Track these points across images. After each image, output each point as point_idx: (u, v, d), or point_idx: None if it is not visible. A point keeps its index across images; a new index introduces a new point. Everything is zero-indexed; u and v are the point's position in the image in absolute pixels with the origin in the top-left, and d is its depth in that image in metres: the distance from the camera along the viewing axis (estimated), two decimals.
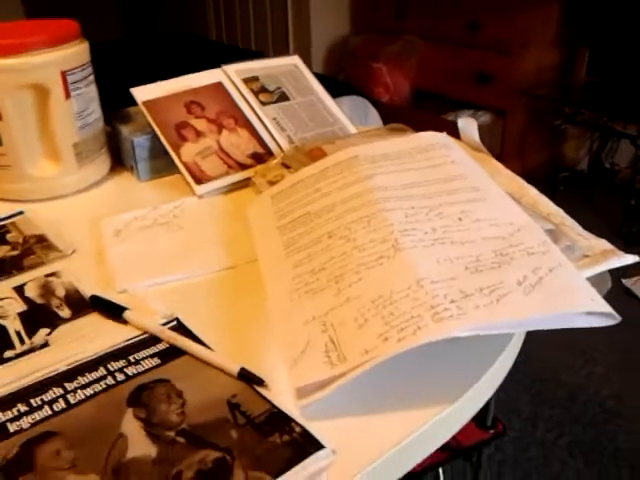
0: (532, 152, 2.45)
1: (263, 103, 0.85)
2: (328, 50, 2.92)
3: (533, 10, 2.25)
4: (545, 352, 1.65)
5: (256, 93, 0.85)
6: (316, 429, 0.39)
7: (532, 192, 0.62)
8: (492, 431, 1.19)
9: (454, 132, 0.74)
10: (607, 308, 0.42)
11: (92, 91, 0.77)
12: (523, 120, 2.39)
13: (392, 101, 2.61)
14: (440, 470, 1.17)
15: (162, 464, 0.37)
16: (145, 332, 0.49)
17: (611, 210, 2.21)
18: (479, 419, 1.09)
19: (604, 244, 0.54)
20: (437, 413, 0.40)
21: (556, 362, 1.63)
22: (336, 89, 0.97)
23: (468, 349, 0.46)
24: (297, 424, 0.39)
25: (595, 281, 0.49)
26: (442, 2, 2.46)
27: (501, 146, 2.41)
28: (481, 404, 0.44)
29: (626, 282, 1.84)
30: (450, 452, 1.06)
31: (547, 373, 1.58)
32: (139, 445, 0.39)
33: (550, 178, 2.38)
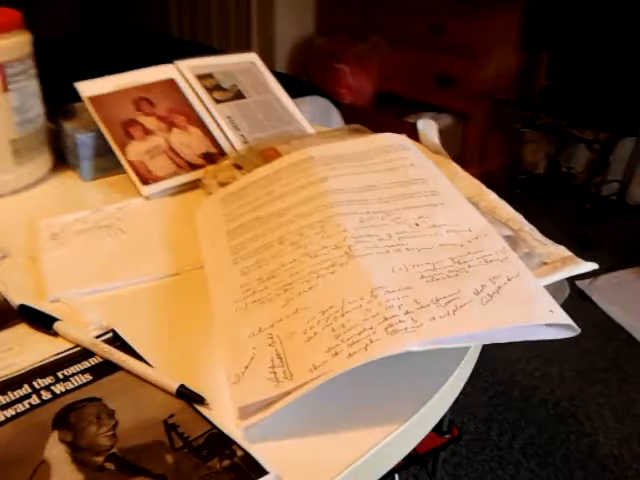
0: (491, 155, 2.47)
1: (217, 101, 0.81)
2: (292, 50, 2.89)
3: (495, 15, 2.27)
4: (500, 353, 1.65)
5: (210, 90, 0.82)
6: (259, 452, 0.36)
7: (491, 197, 0.60)
8: (448, 436, 1.18)
9: (415, 134, 0.72)
10: (567, 320, 0.40)
11: (33, 85, 0.72)
12: (484, 123, 2.41)
13: (355, 102, 2.60)
14: (396, 476, 1.15)
15: None
16: (77, 345, 0.45)
17: (567, 213, 2.24)
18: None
19: (563, 251, 0.53)
20: (390, 432, 0.38)
21: (511, 363, 1.63)
22: (298, 89, 0.95)
23: (423, 361, 0.43)
24: (239, 447, 0.36)
25: (553, 289, 0.47)
26: (406, 4, 2.46)
27: (461, 149, 2.42)
28: (437, 420, 0.42)
29: (580, 284, 1.86)
30: (405, 458, 1.04)
31: (502, 375, 1.59)
32: (63, 473, 0.35)
33: (508, 181, 2.40)
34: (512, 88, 2.39)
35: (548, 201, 2.39)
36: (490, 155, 2.46)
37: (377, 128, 0.75)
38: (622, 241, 2.12)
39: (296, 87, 0.92)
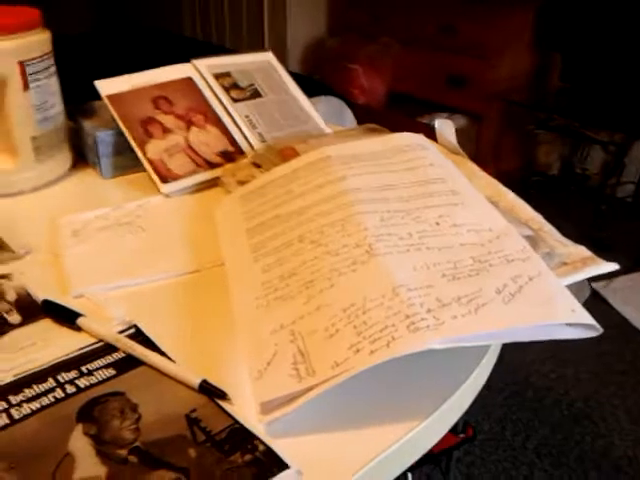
0: (506, 156, 2.46)
1: (235, 100, 0.82)
2: (304, 50, 2.89)
3: (508, 15, 2.26)
4: (515, 354, 1.65)
5: (227, 89, 0.82)
6: (281, 447, 0.36)
7: (510, 196, 0.60)
8: (462, 435, 1.17)
9: (430, 135, 0.72)
10: (589, 319, 0.40)
11: (53, 83, 0.73)
12: (497, 124, 2.40)
13: (367, 103, 2.60)
14: (409, 475, 1.15)
15: None
16: (100, 340, 0.46)
17: (581, 215, 2.23)
18: None
19: (583, 251, 0.53)
20: (411, 429, 0.38)
21: (526, 364, 1.63)
22: (311, 89, 0.95)
23: (444, 359, 0.43)
24: (261, 442, 0.37)
25: (574, 289, 0.47)
26: (417, 5, 2.46)
27: (475, 150, 2.41)
28: (457, 418, 0.42)
29: (595, 286, 1.85)
30: (419, 457, 1.04)
31: (517, 375, 1.58)
32: (87, 465, 0.36)
33: (523, 182, 2.39)
34: (525, 89, 2.38)
35: (563, 202, 2.37)
36: (504, 156, 2.46)
37: (390, 128, 0.75)
38: (638, 243, 2.11)
39: (309, 87, 0.92)
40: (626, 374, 1.61)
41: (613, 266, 0.51)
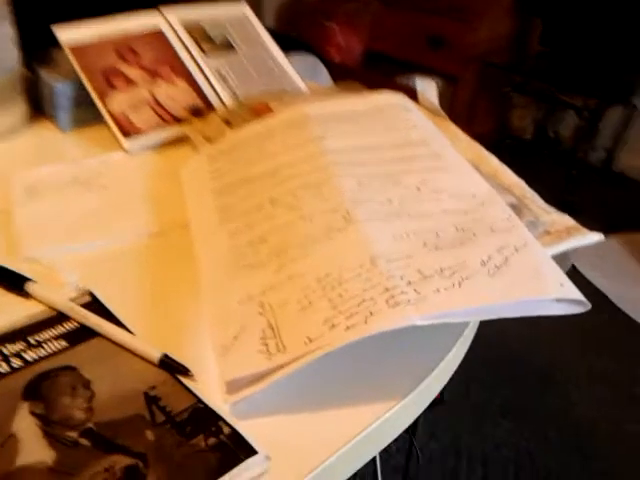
0: (480, 119, 2.44)
1: (205, 52, 0.76)
2: (280, 5, 2.79)
3: None
4: None
5: (198, 41, 0.77)
6: (248, 430, 0.33)
7: (492, 160, 0.57)
8: None
9: (408, 95, 0.68)
10: (578, 295, 0.37)
11: (6, 28, 0.67)
12: (473, 86, 2.36)
13: (343, 61, 2.53)
14: None
15: (60, 473, 0.31)
16: (51, 308, 0.42)
17: (553, 180, 2.23)
18: None
19: (567, 220, 0.50)
20: (388, 409, 0.36)
21: (491, 324, 1.64)
22: (286, 44, 0.90)
23: (422, 334, 0.41)
24: (225, 424, 0.34)
25: (556, 260, 0.45)
26: None
27: (449, 112, 2.37)
28: (436, 393, 0.40)
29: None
30: None
31: (482, 335, 1.59)
32: (33, 449, 0.32)
33: (495, 146, 2.37)
34: (504, 52, 2.34)
35: (535, 166, 2.36)
36: (478, 119, 2.43)
37: (367, 88, 0.71)
38: (607, 208, 2.13)
39: (284, 43, 0.87)
40: (590, 338, 1.63)
41: (598, 236, 0.48)
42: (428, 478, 1.23)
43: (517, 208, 0.50)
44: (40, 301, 0.42)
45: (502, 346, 1.57)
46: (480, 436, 1.34)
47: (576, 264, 1.82)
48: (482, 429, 1.35)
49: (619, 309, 1.72)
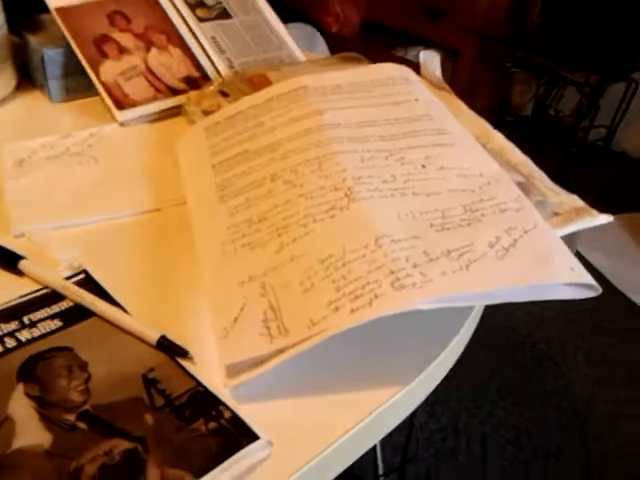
0: (480, 94, 2.40)
1: (200, 19, 0.74)
2: None
3: None
4: None
5: (193, 7, 0.74)
6: (249, 415, 0.32)
7: (499, 137, 0.56)
8: None
9: (409, 67, 0.66)
10: (589, 279, 0.36)
11: None
12: (473, 60, 2.33)
13: (341, 32, 2.48)
14: None
15: (57, 457, 0.30)
16: (45, 287, 0.41)
17: (553, 157, 2.21)
18: None
19: (575, 201, 0.49)
20: (393, 394, 0.35)
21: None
22: (282, 14, 0.87)
23: (427, 317, 0.40)
24: (226, 408, 0.33)
25: (564, 242, 0.44)
26: None
27: (450, 85, 2.34)
28: (438, 381, 0.39)
29: None
30: None
31: (482, 314, 1.59)
32: (29, 431, 0.31)
33: (495, 122, 2.34)
34: (504, 25, 2.30)
35: (534, 144, 2.34)
36: (478, 94, 2.39)
37: (368, 59, 0.69)
38: (606, 187, 2.11)
39: (280, 12, 0.84)
40: (588, 317, 1.63)
41: (607, 218, 0.47)
42: (427, 458, 1.24)
43: (525, 187, 0.49)
44: (34, 279, 0.41)
45: (500, 326, 1.57)
46: (479, 417, 1.34)
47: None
48: (481, 409, 1.36)
49: (617, 289, 1.72)
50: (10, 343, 0.36)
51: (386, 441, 1.21)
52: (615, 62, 2.05)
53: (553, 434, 1.32)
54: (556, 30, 2.23)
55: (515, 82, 2.47)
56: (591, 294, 0.37)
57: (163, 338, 0.36)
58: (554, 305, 1.64)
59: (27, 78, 0.70)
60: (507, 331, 1.56)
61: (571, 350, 1.53)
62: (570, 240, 0.47)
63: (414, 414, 1.19)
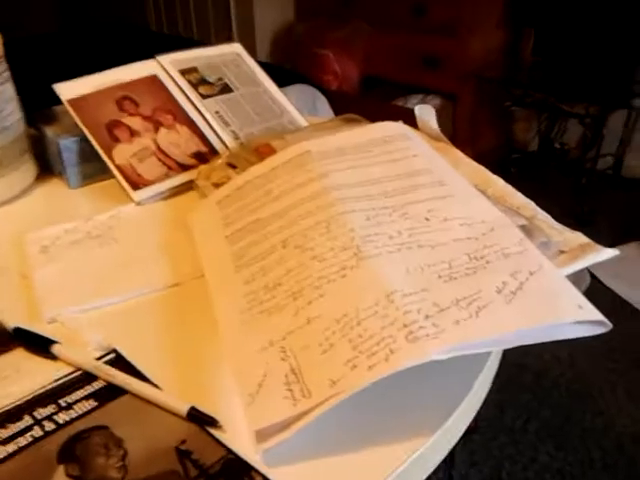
0: (483, 135, 2.44)
1: (203, 96, 0.78)
2: (273, 38, 2.84)
3: None
4: None
5: (195, 85, 0.79)
6: (280, 478, 0.33)
7: (499, 183, 0.58)
8: None
9: (409, 118, 0.69)
10: (597, 315, 0.37)
11: (8, 90, 0.69)
12: (473, 103, 2.38)
13: (341, 89, 2.56)
14: None
15: None
16: (78, 369, 0.42)
17: (563, 190, 2.22)
18: None
19: (580, 237, 0.51)
20: (415, 449, 0.36)
21: (518, 347, 1.62)
22: (282, 78, 0.91)
23: (445, 366, 0.41)
24: (258, 473, 0.34)
25: (572, 278, 0.45)
26: None
27: (452, 131, 2.39)
28: (464, 427, 0.40)
29: None
30: None
31: (511, 359, 1.57)
32: None
33: (502, 161, 2.37)
34: (499, 66, 2.36)
35: (543, 179, 2.36)
36: (482, 135, 2.44)
37: (368, 114, 0.72)
38: (621, 215, 2.10)
39: (280, 76, 0.88)
40: (620, 350, 1.59)
41: (612, 252, 0.49)
42: None
43: (528, 230, 0.50)
44: (67, 362, 0.43)
45: (533, 369, 1.54)
46: (521, 463, 1.31)
47: (598, 275, 1.78)
48: (523, 455, 1.32)
49: None
50: (49, 426, 0.38)
51: None
52: (613, 91, 2.08)
53: (599, 476, 1.27)
54: (551, 65, 2.28)
55: (516, 120, 2.51)
56: (601, 330, 0.38)
57: (193, 409, 0.38)
58: (582, 343, 1.62)
59: (46, 167, 0.74)
60: (539, 373, 1.53)
61: (607, 386, 1.49)
62: (580, 276, 0.48)
63: (453, 465, 1.17)
